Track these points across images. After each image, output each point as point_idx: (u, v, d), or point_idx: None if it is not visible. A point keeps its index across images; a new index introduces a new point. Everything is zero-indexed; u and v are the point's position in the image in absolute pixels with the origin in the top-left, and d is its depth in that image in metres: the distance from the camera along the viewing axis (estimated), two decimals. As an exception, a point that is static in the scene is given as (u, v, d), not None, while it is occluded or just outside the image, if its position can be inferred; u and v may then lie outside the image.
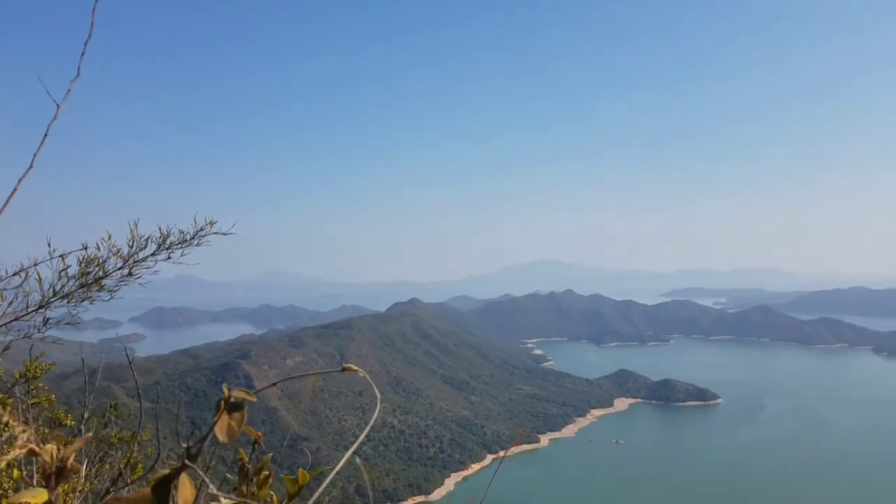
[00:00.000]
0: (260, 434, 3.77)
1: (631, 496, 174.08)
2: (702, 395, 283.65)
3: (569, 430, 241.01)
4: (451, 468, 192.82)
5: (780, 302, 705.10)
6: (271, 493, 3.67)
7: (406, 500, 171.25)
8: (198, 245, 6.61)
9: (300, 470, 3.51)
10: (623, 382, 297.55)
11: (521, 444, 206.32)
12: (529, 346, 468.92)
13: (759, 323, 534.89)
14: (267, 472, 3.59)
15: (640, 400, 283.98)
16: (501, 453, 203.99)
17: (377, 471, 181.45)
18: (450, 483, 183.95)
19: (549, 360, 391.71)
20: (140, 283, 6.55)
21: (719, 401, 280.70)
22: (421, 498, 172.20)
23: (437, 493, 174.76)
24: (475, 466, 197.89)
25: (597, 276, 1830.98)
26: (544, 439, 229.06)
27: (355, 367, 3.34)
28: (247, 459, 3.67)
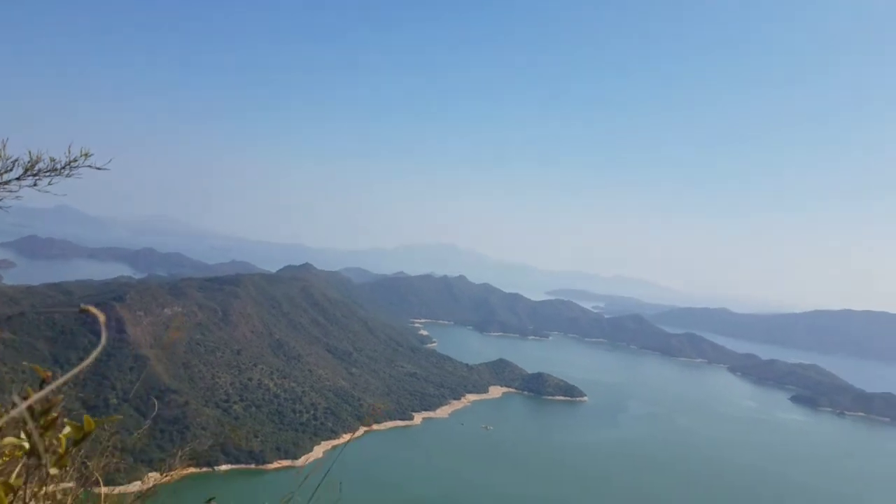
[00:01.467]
0: (48, 373, 3.48)
1: (492, 480, 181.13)
2: (570, 391, 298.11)
3: (443, 412, 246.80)
4: (323, 436, 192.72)
5: (652, 313, 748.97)
6: (59, 436, 3.46)
7: (272, 462, 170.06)
8: (68, 176, 6.37)
9: (85, 416, 3.39)
10: (500, 371, 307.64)
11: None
12: (417, 325, 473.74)
13: (631, 330, 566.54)
14: (55, 415, 3.32)
15: (513, 390, 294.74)
16: (372, 425, 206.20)
17: (245, 431, 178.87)
18: (319, 451, 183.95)
19: (434, 341, 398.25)
20: (1, 207, 6.36)
21: (585, 398, 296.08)
22: (287, 462, 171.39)
23: (305, 459, 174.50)
24: (346, 436, 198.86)
25: (489, 266, 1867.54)
26: (418, 417, 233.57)
27: (95, 311, 3.25)
28: (32, 395, 3.34)
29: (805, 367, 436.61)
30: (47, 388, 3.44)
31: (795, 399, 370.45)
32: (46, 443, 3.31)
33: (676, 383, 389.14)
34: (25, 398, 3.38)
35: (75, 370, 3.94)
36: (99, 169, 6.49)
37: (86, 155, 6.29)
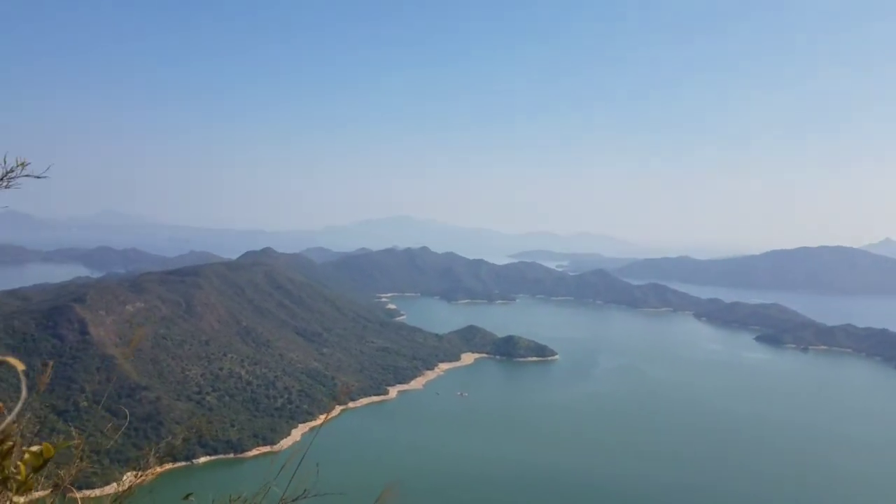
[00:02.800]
0: (1, 405, 3.56)
1: (470, 445, 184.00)
2: (541, 351, 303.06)
3: (417, 383, 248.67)
4: (299, 419, 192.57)
5: (615, 267, 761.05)
6: (18, 463, 3.50)
7: (251, 450, 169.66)
8: (6, 188, 6.27)
9: (44, 443, 3.41)
10: (471, 338, 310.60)
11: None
12: (384, 300, 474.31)
13: (596, 286, 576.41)
14: (11, 443, 3.36)
15: (485, 355, 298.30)
16: (348, 403, 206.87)
17: (221, 421, 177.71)
18: (297, 434, 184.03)
19: (402, 314, 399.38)
20: None
21: (556, 357, 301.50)
22: (266, 448, 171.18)
23: (283, 444, 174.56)
24: (322, 417, 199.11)
25: (450, 234, 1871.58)
26: (393, 391, 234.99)
27: (13, 361, 3.25)
28: None
29: (767, 306, 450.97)
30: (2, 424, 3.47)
31: (760, 339, 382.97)
32: (6, 472, 3.33)
33: (644, 334, 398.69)
34: None
35: (12, 414, 3.87)
36: (38, 178, 6.38)
37: (22, 165, 6.19)
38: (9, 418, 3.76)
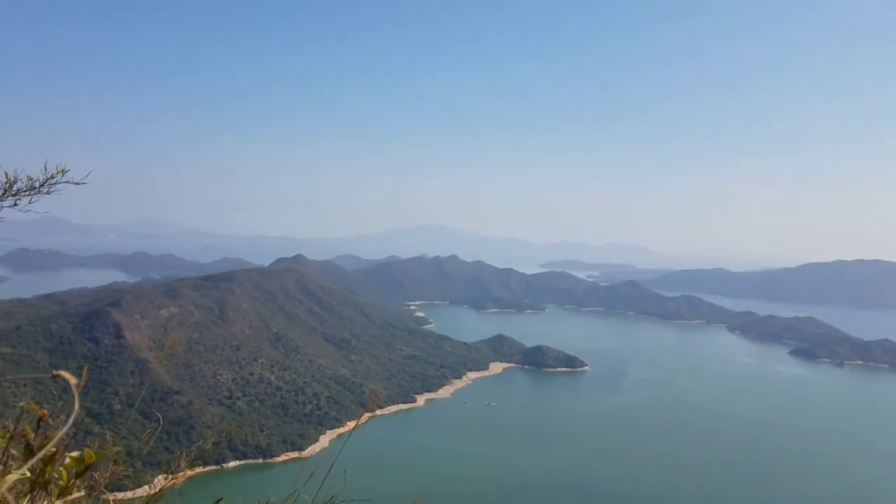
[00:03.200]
0: (45, 412, 3.61)
1: (498, 453, 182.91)
2: (571, 362, 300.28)
3: (445, 392, 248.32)
4: (327, 425, 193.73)
5: (647, 278, 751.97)
6: (61, 469, 3.62)
7: (279, 455, 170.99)
8: (48, 193, 6.43)
9: (86, 449, 3.52)
10: (499, 347, 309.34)
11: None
12: (412, 308, 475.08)
13: (628, 297, 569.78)
14: (54, 449, 3.46)
15: (513, 365, 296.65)
16: (376, 411, 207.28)
17: (251, 426, 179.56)
18: (325, 440, 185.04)
19: (431, 322, 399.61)
20: None
21: (586, 368, 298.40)
22: (295, 454, 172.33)
23: (311, 450, 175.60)
24: (350, 424, 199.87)
25: (479, 243, 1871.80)
26: (420, 399, 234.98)
27: (67, 375, 3.30)
28: (31, 435, 3.52)
29: (802, 320, 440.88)
30: (50, 443, 3.59)
31: (794, 353, 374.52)
32: (47, 476, 3.44)
33: (676, 346, 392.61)
34: (24, 436, 3.54)
35: (65, 427, 3.96)
36: (78, 184, 6.48)
37: (62, 171, 6.29)
38: (61, 432, 3.89)
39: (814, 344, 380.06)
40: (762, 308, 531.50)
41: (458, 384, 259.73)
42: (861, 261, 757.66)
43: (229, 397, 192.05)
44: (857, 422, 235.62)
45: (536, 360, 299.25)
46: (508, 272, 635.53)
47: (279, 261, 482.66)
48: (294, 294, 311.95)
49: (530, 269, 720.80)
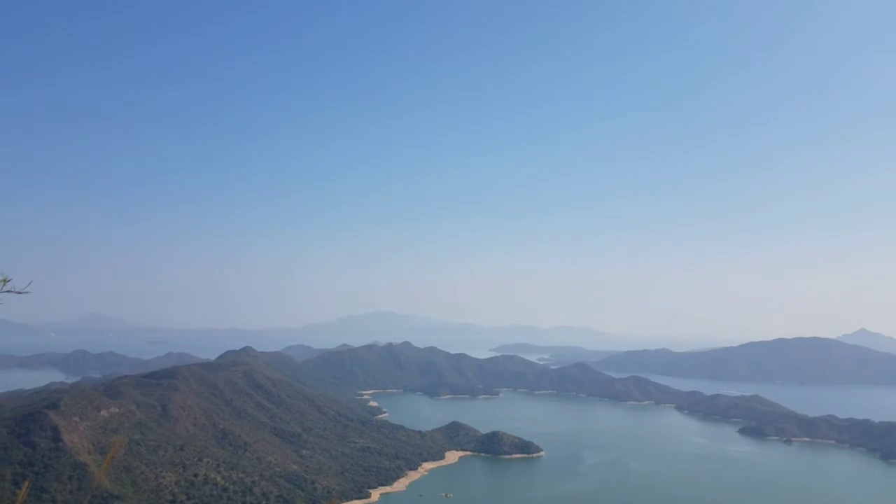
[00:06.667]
0: None
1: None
2: (526, 447, 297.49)
3: (400, 485, 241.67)
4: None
5: (596, 360, 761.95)
6: None
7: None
8: None
9: None
10: (454, 435, 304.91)
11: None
12: (365, 397, 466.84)
13: (578, 379, 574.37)
14: None
15: (469, 452, 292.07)
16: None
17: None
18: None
19: (385, 412, 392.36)
20: None
21: (542, 453, 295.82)
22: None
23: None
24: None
25: (430, 328, 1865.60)
26: (375, 494, 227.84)
27: None
28: None
29: (747, 398, 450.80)
30: None
31: (743, 431, 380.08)
32: None
33: (627, 427, 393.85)
34: None
35: None
36: (20, 293, 7.54)
37: (4, 281, 6.80)
38: None
39: (761, 422, 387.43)
40: (708, 387, 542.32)
41: (414, 475, 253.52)
42: (800, 338, 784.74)
43: (172, 501, 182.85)
44: (810, 499, 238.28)
45: (492, 446, 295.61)
46: (461, 357, 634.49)
47: (227, 354, 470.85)
48: (242, 388, 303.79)
49: (482, 354, 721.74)
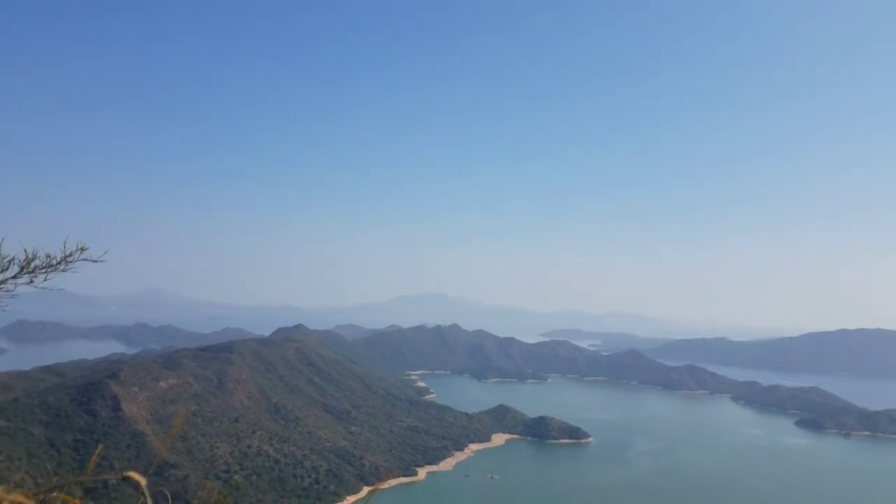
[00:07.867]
0: (77, 501, 3.63)
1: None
2: (574, 433, 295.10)
3: (446, 464, 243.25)
4: (326, 500, 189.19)
5: (649, 347, 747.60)
6: None
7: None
8: (64, 271, 6.58)
9: None
10: (501, 418, 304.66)
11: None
12: (413, 378, 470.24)
13: (630, 366, 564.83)
14: None
15: (516, 436, 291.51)
16: (377, 485, 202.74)
17: (248, 501, 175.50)
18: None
19: (432, 392, 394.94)
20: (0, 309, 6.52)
21: (590, 439, 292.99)
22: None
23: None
24: (350, 498, 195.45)
25: (481, 312, 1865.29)
26: (422, 472, 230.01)
27: (137, 476, 3.27)
28: None
29: (806, 390, 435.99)
30: None
31: (800, 423, 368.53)
32: None
33: (680, 416, 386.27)
34: None
35: None
36: (95, 262, 6.81)
37: (81, 249, 6.65)
38: None
39: (819, 414, 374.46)
40: (765, 378, 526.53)
41: (460, 456, 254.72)
42: (863, 329, 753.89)
43: (226, 471, 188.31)
44: (869, 496, 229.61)
45: (539, 431, 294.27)
46: (510, 341, 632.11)
47: (280, 331, 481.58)
48: (294, 364, 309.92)
49: (532, 339, 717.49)
